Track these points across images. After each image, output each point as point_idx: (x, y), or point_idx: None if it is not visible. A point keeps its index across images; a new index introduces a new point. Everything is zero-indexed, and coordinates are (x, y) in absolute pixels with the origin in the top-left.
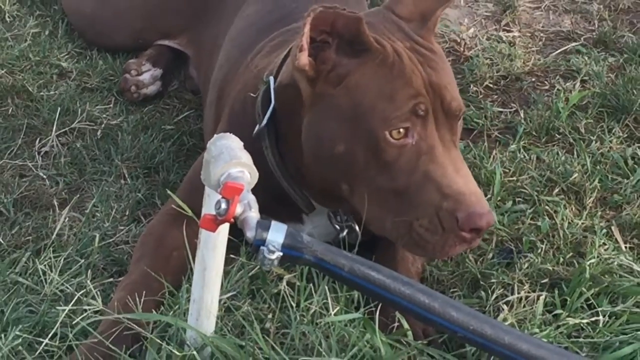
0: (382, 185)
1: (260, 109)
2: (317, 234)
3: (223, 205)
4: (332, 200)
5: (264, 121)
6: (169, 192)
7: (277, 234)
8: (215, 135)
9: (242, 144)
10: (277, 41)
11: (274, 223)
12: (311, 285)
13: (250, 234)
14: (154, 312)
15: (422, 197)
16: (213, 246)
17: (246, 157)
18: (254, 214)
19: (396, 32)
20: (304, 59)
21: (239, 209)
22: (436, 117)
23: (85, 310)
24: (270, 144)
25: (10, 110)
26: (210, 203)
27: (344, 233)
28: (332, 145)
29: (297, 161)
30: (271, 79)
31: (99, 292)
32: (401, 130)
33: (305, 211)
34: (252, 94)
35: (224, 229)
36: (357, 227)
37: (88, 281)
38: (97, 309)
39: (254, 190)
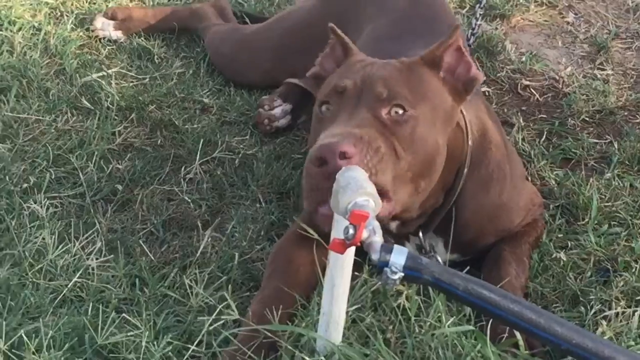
0: None
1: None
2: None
3: (351, 231)
4: None
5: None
6: (295, 218)
7: (399, 256)
8: (343, 168)
9: (366, 175)
10: None
11: (396, 247)
12: (426, 299)
13: (375, 256)
14: (288, 323)
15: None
16: (341, 266)
17: (371, 188)
18: (378, 239)
19: None
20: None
21: (365, 234)
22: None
23: (227, 321)
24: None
25: (159, 141)
26: (339, 228)
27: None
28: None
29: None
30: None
31: (238, 305)
32: None
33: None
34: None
35: (351, 251)
36: (439, 258)
37: (228, 295)
38: (235, 318)
39: None
